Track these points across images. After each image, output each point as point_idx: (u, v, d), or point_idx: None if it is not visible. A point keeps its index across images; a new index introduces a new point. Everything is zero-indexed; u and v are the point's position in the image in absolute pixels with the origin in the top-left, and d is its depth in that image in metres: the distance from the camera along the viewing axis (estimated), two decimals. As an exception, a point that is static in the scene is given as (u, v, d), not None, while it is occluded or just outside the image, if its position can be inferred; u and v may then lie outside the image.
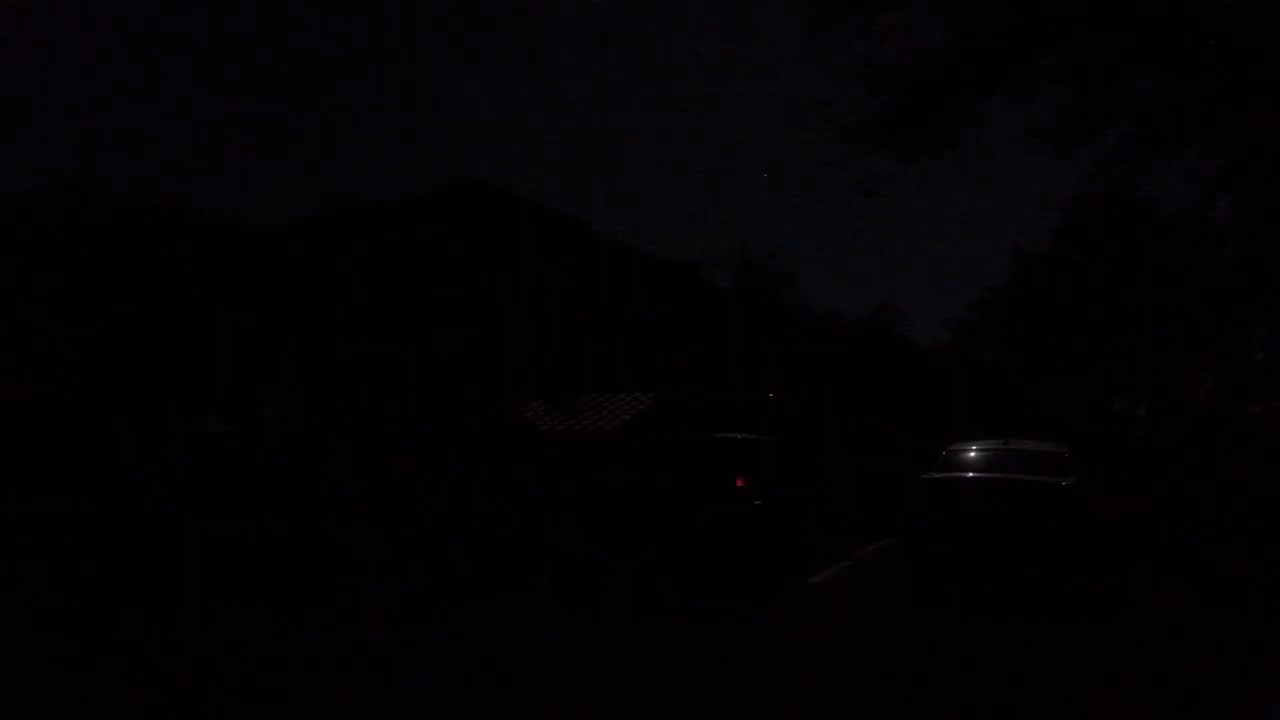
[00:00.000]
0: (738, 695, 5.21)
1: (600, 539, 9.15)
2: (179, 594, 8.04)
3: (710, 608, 7.76)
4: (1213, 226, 17.06)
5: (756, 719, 4.86)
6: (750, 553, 8.64)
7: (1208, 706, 5.33)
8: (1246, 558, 11.23)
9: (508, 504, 12.81)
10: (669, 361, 22.21)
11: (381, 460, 12.86)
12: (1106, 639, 6.95)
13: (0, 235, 16.57)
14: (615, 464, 9.32)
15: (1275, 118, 11.55)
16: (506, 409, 15.69)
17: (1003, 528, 8.85)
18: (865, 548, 11.70)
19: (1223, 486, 17.27)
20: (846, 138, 12.79)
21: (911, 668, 5.99)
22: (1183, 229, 19.11)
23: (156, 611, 7.25)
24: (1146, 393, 29.58)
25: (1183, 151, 12.67)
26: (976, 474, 9.65)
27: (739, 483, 8.49)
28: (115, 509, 11.03)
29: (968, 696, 5.29)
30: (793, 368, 23.13)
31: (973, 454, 10.27)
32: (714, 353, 23.46)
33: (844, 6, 11.87)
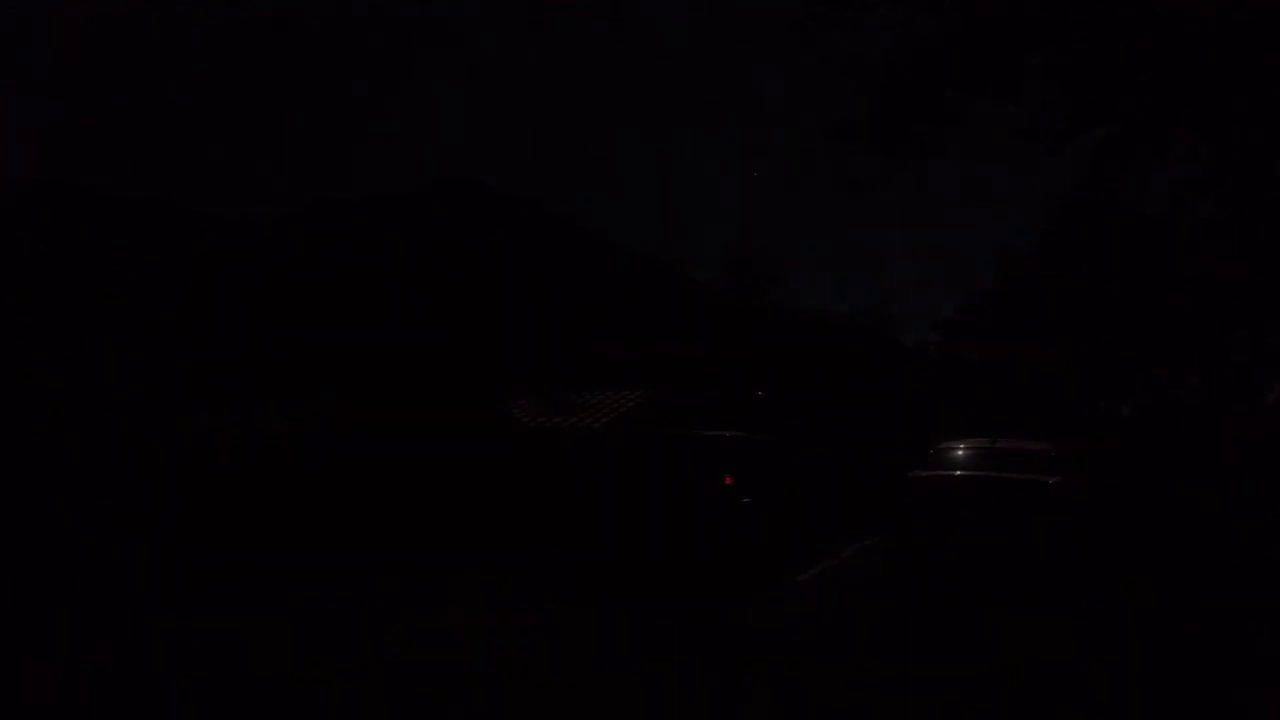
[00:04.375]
0: (726, 692, 5.21)
1: (589, 536, 9.15)
2: (170, 592, 7.99)
3: (699, 604, 7.76)
4: (1196, 227, 17.20)
5: (746, 715, 4.86)
6: (739, 550, 8.66)
7: (1199, 705, 5.36)
8: (1238, 555, 11.32)
9: (497, 501, 12.78)
10: (658, 359, 22.19)
11: (370, 457, 12.81)
12: (1099, 638, 6.98)
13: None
14: (604, 461, 9.31)
15: (1256, 120, 11.64)
16: (495, 405, 15.66)
17: (990, 525, 8.90)
18: (854, 545, 11.72)
19: (1213, 484, 17.39)
20: (834, 136, 12.82)
21: (902, 665, 6.01)
22: (1167, 229, 19.25)
23: (143, 610, 7.20)
24: (1134, 392, 29.75)
25: (1169, 151, 12.76)
26: (964, 472, 9.71)
27: (727, 480, 8.50)
28: (104, 507, 10.96)
29: (958, 695, 5.31)
30: (781, 366, 23.15)
31: (960, 452, 10.34)
32: (703, 350, 23.45)
33: (834, 5, 11.88)
